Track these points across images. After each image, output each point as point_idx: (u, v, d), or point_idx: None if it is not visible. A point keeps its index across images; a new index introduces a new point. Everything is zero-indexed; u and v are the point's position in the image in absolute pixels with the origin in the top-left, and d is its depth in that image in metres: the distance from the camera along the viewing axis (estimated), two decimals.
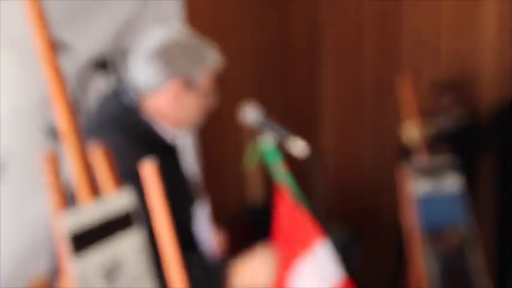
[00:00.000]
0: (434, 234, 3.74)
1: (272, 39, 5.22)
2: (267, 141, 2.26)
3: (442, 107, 5.33)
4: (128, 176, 1.88)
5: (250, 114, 2.34)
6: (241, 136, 4.60)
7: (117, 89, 2.35)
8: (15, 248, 2.72)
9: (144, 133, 2.22)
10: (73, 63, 2.97)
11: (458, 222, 3.82)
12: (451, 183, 3.83)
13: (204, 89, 2.28)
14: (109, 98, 2.26)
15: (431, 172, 3.80)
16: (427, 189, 3.77)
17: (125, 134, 2.18)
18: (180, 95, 2.24)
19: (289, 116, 5.63)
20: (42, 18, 1.77)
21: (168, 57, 2.20)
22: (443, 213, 3.79)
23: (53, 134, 2.86)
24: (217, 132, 4.42)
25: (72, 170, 1.78)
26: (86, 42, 3.06)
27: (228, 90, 4.52)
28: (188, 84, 2.24)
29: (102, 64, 3.20)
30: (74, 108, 1.81)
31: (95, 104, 2.29)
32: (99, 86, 3.20)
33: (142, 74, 2.21)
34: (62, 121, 1.78)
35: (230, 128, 4.46)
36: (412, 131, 3.83)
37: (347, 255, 5.28)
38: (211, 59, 2.30)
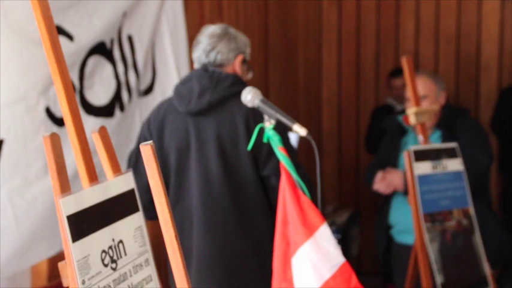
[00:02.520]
0: (435, 214, 3.75)
1: (273, 23, 5.21)
2: (267, 124, 2.26)
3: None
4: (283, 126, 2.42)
5: (250, 96, 2.34)
6: None
7: (202, 67, 2.76)
8: (15, 233, 2.72)
9: None
10: (73, 51, 2.96)
11: (460, 202, 3.83)
12: (452, 165, 3.84)
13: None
14: (210, 76, 2.67)
15: (432, 154, 3.80)
16: (428, 171, 3.77)
17: None
18: (242, 68, 2.80)
19: (290, 98, 5.64)
20: (46, 6, 1.77)
21: (233, 38, 2.74)
22: (444, 193, 3.80)
23: (51, 118, 2.86)
24: None
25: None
26: (86, 30, 3.05)
27: None
28: (244, 60, 2.79)
29: (101, 51, 3.20)
30: (73, 93, 1.83)
31: (193, 84, 2.68)
32: (100, 73, 3.20)
33: (219, 51, 2.71)
34: (63, 105, 1.78)
35: None
36: (414, 115, 3.83)
37: (345, 236, 5.30)
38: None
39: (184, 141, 2.70)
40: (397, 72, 5.39)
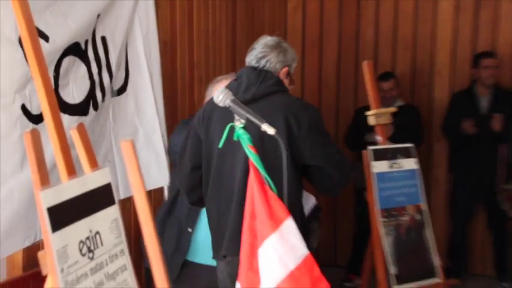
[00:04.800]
0: (391, 209, 3.81)
1: (241, 27, 5.23)
2: (239, 124, 2.28)
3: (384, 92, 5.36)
4: (319, 118, 2.82)
5: (222, 97, 2.36)
6: None
7: (252, 69, 2.91)
8: None
9: None
10: (48, 51, 2.95)
11: (413, 199, 3.89)
12: (407, 164, 3.90)
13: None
14: (258, 73, 2.86)
15: (389, 154, 3.86)
16: (385, 169, 3.83)
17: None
18: (285, 79, 2.93)
19: None
20: (26, 6, 1.78)
21: (283, 51, 2.90)
22: (400, 190, 3.86)
23: (27, 115, 2.84)
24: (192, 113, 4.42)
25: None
26: (61, 31, 3.03)
27: (201, 76, 4.55)
28: (288, 73, 2.93)
29: (76, 52, 3.18)
30: (52, 90, 1.84)
31: (244, 80, 2.85)
32: (75, 73, 3.19)
33: (268, 60, 2.87)
34: (43, 102, 1.79)
35: None
36: (374, 116, 3.89)
37: (306, 228, 5.32)
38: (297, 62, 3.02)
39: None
40: (384, 76, 5.47)
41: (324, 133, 2.89)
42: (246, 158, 2.57)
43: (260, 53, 2.91)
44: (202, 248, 3.23)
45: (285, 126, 2.73)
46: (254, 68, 2.89)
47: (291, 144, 2.72)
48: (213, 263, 3.05)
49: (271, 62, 2.89)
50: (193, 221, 3.24)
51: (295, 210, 2.76)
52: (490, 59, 5.51)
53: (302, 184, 2.91)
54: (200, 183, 2.92)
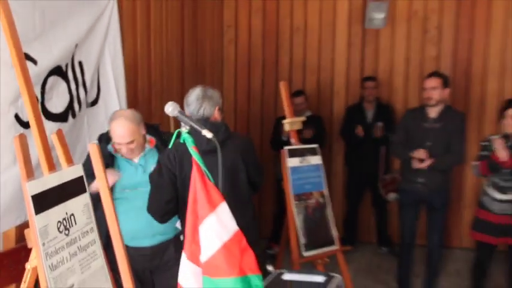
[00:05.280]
0: (301, 194, 3.84)
1: (188, 56, 5.20)
2: (184, 130, 2.26)
3: (296, 105, 5.38)
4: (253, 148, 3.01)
5: (171, 109, 2.33)
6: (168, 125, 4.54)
7: (199, 121, 2.81)
8: None
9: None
10: (37, 72, 2.86)
11: (318, 186, 3.95)
12: (313, 160, 3.95)
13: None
14: (211, 127, 2.71)
15: (300, 152, 3.91)
16: (297, 164, 3.87)
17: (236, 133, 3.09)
18: (220, 113, 2.94)
19: None
20: (16, 37, 1.72)
21: (211, 97, 2.89)
22: (308, 180, 3.91)
23: (19, 122, 2.76)
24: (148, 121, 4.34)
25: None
26: (46, 57, 2.95)
27: (157, 93, 4.49)
28: (220, 108, 2.93)
29: (58, 73, 3.10)
30: (37, 103, 1.77)
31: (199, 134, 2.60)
32: (57, 89, 3.11)
33: (204, 108, 2.86)
34: (29, 113, 1.73)
35: (157, 119, 4.42)
36: (289, 124, 3.92)
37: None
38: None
39: None
40: (295, 93, 5.47)
41: (255, 153, 3.06)
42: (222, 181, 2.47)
43: (197, 105, 2.88)
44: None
45: (241, 159, 2.86)
46: (203, 120, 2.86)
47: (246, 167, 2.89)
48: (132, 244, 2.94)
49: (207, 108, 2.88)
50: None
51: (249, 207, 2.99)
52: (371, 82, 5.66)
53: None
54: (172, 210, 2.82)
